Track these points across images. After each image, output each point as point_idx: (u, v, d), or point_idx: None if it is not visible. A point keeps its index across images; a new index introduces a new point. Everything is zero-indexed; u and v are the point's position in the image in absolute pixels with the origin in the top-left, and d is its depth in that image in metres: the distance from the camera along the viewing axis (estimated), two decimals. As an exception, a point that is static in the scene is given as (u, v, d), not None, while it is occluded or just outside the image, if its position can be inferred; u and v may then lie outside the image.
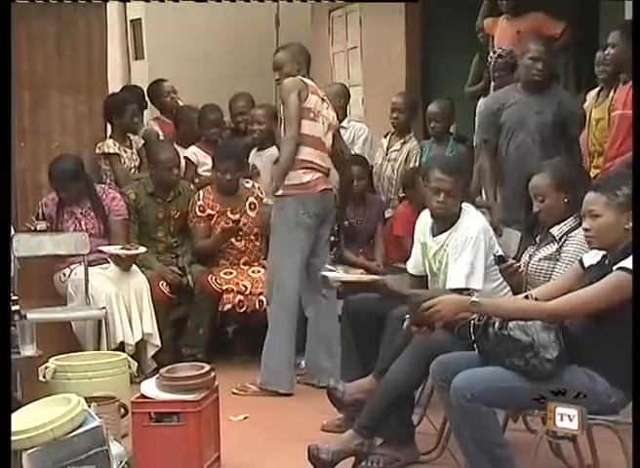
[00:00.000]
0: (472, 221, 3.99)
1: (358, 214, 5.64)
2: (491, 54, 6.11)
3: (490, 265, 3.88)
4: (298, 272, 4.68)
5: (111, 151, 5.70)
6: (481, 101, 5.16)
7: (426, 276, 4.15)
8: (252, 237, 5.50)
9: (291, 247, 4.66)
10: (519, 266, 3.59)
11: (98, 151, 5.73)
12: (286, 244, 4.66)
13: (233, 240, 5.46)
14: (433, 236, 4.10)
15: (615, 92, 4.88)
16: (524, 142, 4.84)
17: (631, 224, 3.04)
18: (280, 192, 4.67)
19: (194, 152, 5.88)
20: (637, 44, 4.12)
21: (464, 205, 4.07)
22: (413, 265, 4.23)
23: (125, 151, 5.76)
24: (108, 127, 5.94)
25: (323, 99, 4.82)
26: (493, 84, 5.97)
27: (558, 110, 4.84)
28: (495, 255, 3.67)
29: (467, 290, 3.79)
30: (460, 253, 3.94)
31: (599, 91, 5.13)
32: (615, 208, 3.06)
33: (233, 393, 3.72)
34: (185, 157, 5.83)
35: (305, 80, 4.76)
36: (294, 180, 4.65)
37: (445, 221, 4.03)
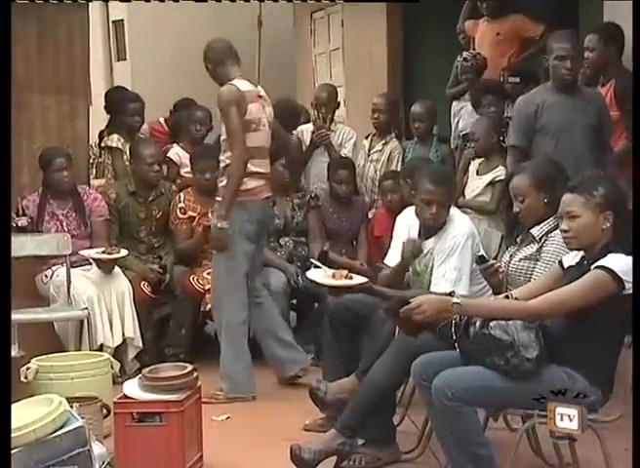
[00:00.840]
0: (460, 227, 4.02)
1: (342, 214, 5.65)
2: (458, 58, 6.16)
3: (475, 269, 3.89)
4: (244, 278, 4.64)
5: (114, 146, 5.72)
6: (518, 101, 4.88)
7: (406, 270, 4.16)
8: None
9: (235, 253, 4.59)
10: (499, 266, 3.61)
11: (102, 144, 5.76)
12: (231, 251, 4.58)
13: (214, 239, 5.45)
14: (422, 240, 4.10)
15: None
16: (575, 146, 4.51)
17: (608, 225, 3.06)
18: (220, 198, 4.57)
19: (177, 153, 5.86)
20: (637, 44, 4.15)
21: (451, 209, 4.08)
22: (394, 262, 4.23)
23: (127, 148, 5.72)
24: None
25: (260, 96, 4.72)
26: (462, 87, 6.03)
27: (598, 112, 4.60)
28: (476, 255, 3.68)
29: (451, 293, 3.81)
30: (446, 259, 3.95)
31: None
32: (592, 208, 3.08)
33: (203, 402, 3.72)
34: (168, 157, 5.82)
35: (240, 84, 4.61)
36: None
37: (434, 228, 4.05)
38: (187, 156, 5.76)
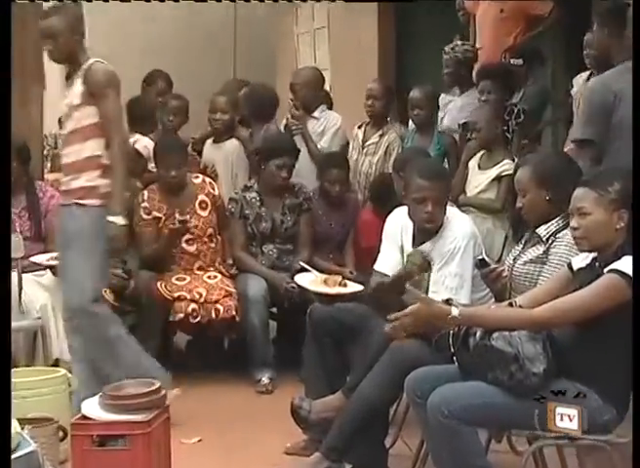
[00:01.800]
0: (459, 228, 4.00)
1: (332, 217, 5.64)
2: (446, 47, 6.18)
3: (477, 274, 3.89)
4: (102, 283, 4.50)
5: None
6: (591, 85, 4.70)
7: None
8: (205, 239, 5.48)
9: (94, 257, 4.35)
10: (503, 271, 3.60)
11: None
12: (89, 254, 4.33)
13: (184, 244, 5.43)
14: (415, 246, 4.10)
15: None
16: None
17: (623, 224, 3.08)
18: (84, 201, 4.33)
19: (145, 145, 5.83)
20: (637, 43, 4.17)
21: (449, 208, 4.08)
22: (385, 266, 4.22)
23: None
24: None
25: None
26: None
27: None
28: (476, 259, 3.69)
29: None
30: (445, 264, 3.94)
31: (588, 76, 5.17)
32: (605, 205, 3.09)
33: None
34: (135, 149, 5.79)
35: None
36: (96, 183, 4.34)
37: (431, 229, 4.03)
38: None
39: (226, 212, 5.51)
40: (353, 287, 4.26)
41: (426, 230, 4.02)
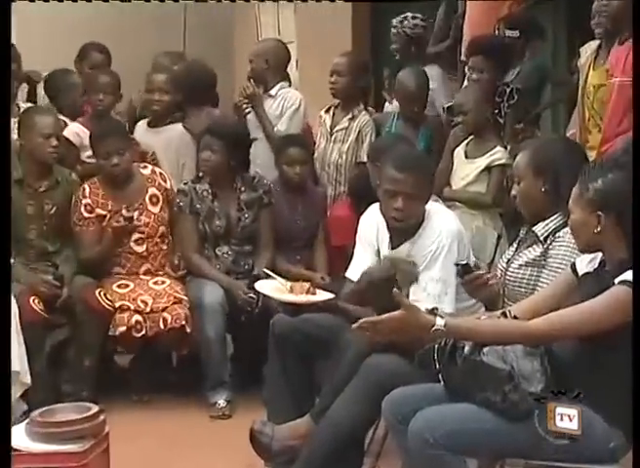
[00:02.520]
0: (442, 226, 4.02)
1: (296, 210, 5.62)
2: (393, 21, 6.21)
3: None
4: None
5: None
6: None
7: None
8: (157, 239, 5.46)
9: None
10: (489, 278, 3.60)
11: None
12: None
13: (132, 243, 5.42)
14: (392, 247, 4.11)
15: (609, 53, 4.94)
16: None
17: (599, 229, 3.09)
18: None
19: (76, 131, 5.79)
20: (637, 43, 4.20)
21: (430, 202, 4.09)
22: (360, 274, 4.24)
23: None
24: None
25: None
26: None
27: None
28: (457, 264, 3.70)
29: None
30: (427, 267, 3.97)
31: (598, 48, 5.19)
32: (583, 205, 3.12)
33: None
34: (64, 137, 5.75)
35: None
36: None
37: (406, 228, 4.05)
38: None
39: (174, 206, 5.48)
40: (323, 295, 4.26)
41: (399, 229, 4.02)
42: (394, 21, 6.26)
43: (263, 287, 4.65)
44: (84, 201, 5.38)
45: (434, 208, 4.10)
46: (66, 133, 5.77)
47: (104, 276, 5.42)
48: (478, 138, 5.33)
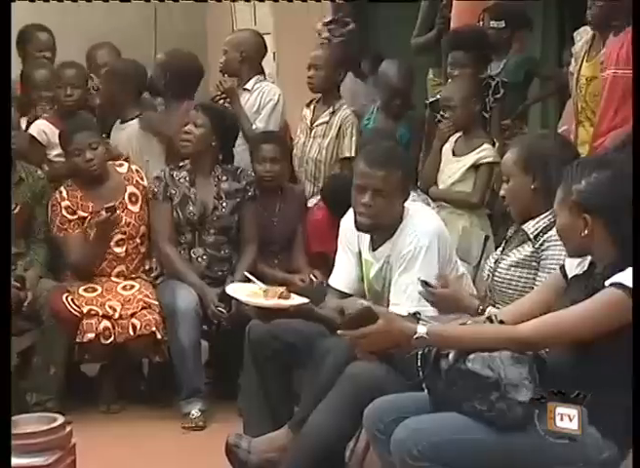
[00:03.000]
0: (421, 226, 4.02)
1: (274, 210, 5.61)
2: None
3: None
4: None
5: None
6: None
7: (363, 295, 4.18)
8: (137, 240, 5.46)
9: None
10: (448, 293, 3.62)
11: None
12: None
13: (113, 244, 5.41)
14: (373, 248, 4.11)
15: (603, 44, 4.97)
16: None
17: (587, 232, 3.10)
18: None
19: (43, 129, 5.77)
20: (637, 43, 4.22)
21: (410, 201, 4.09)
22: (342, 281, 4.26)
23: None
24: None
25: None
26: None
27: None
28: (419, 280, 3.70)
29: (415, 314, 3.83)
30: (405, 269, 3.97)
31: (592, 39, 5.22)
32: (568, 208, 3.13)
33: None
34: (30, 135, 5.74)
35: None
36: None
37: (384, 229, 4.05)
38: (57, 133, 5.70)
39: (149, 194, 5.47)
40: (297, 299, 4.26)
41: (366, 227, 4.03)
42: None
43: (236, 290, 4.64)
44: (63, 203, 5.38)
45: (415, 207, 4.11)
46: (32, 130, 5.77)
47: (73, 280, 5.41)
48: (466, 135, 5.35)
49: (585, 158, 3.23)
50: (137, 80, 5.96)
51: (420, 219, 4.04)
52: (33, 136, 5.77)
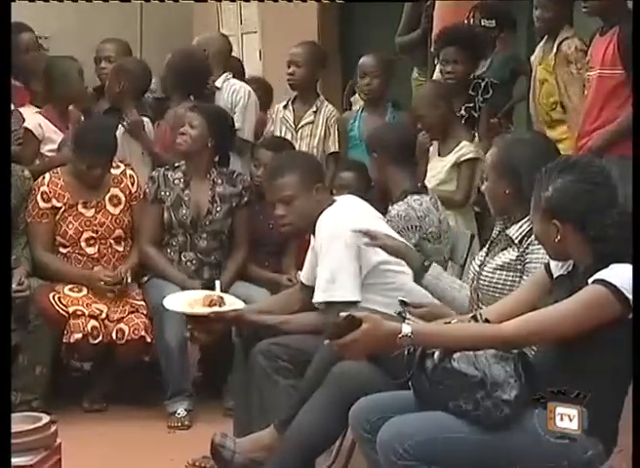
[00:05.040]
0: (327, 216, 4.11)
1: (269, 214, 5.55)
2: None
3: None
4: None
5: None
6: None
7: None
8: (110, 241, 5.43)
9: None
10: (426, 310, 3.64)
11: None
12: None
13: (83, 244, 5.39)
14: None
15: (556, 45, 4.98)
16: None
17: (559, 238, 3.11)
18: None
19: (39, 123, 5.74)
20: (637, 43, 4.24)
21: (338, 197, 4.22)
22: (305, 275, 4.33)
23: None
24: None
25: None
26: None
27: None
28: (398, 300, 3.73)
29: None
30: (320, 261, 4.07)
31: (544, 42, 5.26)
32: (539, 215, 3.15)
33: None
34: (26, 128, 5.71)
35: None
36: None
37: (308, 230, 4.18)
38: (53, 128, 5.69)
39: (140, 194, 5.46)
40: (232, 305, 4.27)
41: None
42: None
43: (174, 300, 4.62)
44: (42, 188, 5.36)
45: (336, 202, 4.19)
46: (29, 123, 5.71)
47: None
48: (445, 138, 5.36)
49: (552, 163, 3.20)
50: (141, 81, 5.95)
51: (325, 214, 4.12)
52: (29, 130, 5.72)
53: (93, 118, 5.83)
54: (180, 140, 5.36)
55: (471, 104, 5.65)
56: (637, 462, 2.90)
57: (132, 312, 5.22)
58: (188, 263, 5.39)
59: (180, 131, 5.34)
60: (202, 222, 5.38)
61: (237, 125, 5.85)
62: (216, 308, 4.27)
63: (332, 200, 4.21)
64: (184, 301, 4.43)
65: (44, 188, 5.36)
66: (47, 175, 5.40)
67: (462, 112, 5.67)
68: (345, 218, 4.09)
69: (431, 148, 5.44)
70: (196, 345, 5.26)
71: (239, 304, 4.36)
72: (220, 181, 5.43)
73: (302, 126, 5.96)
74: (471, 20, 6.26)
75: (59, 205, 5.37)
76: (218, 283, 4.55)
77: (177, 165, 5.46)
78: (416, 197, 4.68)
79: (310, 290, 4.20)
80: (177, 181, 5.39)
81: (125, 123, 5.79)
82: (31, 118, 5.76)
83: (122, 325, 5.16)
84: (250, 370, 4.04)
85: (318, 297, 4.02)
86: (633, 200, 3.11)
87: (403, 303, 3.65)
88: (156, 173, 5.44)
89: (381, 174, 4.76)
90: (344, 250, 3.99)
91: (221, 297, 4.33)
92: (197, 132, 5.32)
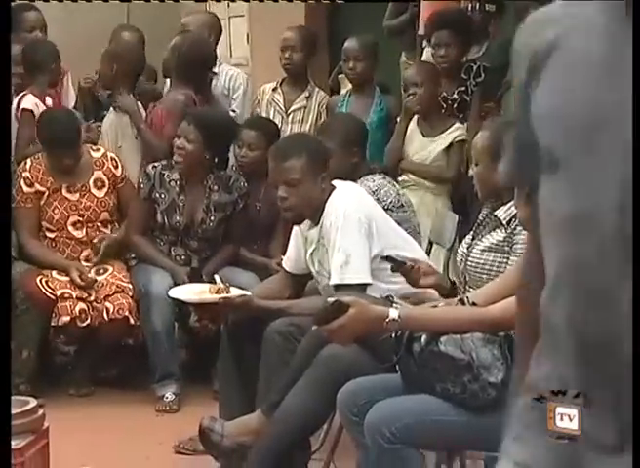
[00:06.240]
0: (337, 200, 4.06)
1: (257, 195, 5.54)
2: None
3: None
4: None
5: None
6: None
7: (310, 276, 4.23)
8: (97, 224, 5.43)
9: None
10: (418, 268, 3.63)
11: None
12: None
13: (71, 228, 5.38)
14: (309, 229, 4.15)
15: None
16: None
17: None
18: None
19: (35, 103, 5.71)
20: (637, 43, 4.24)
21: (336, 182, 4.14)
22: (290, 261, 4.29)
23: None
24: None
25: None
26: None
27: None
28: (382, 257, 3.71)
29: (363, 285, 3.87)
30: (332, 245, 4.01)
31: None
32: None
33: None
34: (25, 109, 5.67)
35: None
36: None
37: (309, 216, 4.10)
38: (44, 109, 5.67)
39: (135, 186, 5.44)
40: (237, 292, 4.28)
41: (310, 214, 4.09)
42: None
43: (179, 291, 4.63)
44: (24, 174, 5.36)
45: (340, 187, 4.14)
46: (26, 104, 5.70)
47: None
48: (434, 116, 5.36)
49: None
50: (133, 64, 5.92)
51: (336, 196, 4.07)
52: (28, 110, 5.68)
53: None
54: (176, 157, 5.25)
55: (463, 88, 5.63)
56: (637, 462, 2.89)
57: (117, 292, 5.21)
58: (177, 258, 5.36)
59: (176, 145, 5.26)
60: (195, 229, 5.34)
61: (238, 110, 5.86)
62: (224, 295, 4.26)
63: (333, 187, 4.17)
64: (190, 292, 4.43)
65: (26, 174, 5.36)
66: (28, 161, 5.40)
67: (455, 96, 5.66)
68: (357, 203, 4.08)
69: (410, 126, 5.41)
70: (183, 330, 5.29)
71: (245, 292, 4.36)
72: (215, 188, 5.33)
73: (294, 110, 5.94)
74: (470, 4, 6.21)
75: (42, 189, 5.37)
76: (217, 277, 4.53)
77: (173, 163, 5.37)
78: (368, 177, 4.70)
79: (296, 277, 4.20)
80: (172, 183, 5.30)
81: (115, 104, 5.78)
82: (27, 99, 5.74)
83: (107, 303, 5.16)
84: (262, 347, 4.01)
85: (335, 280, 3.95)
86: (633, 200, 3.12)
87: (389, 258, 3.65)
88: (153, 169, 5.32)
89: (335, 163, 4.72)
90: (357, 233, 3.96)
91: (227, 285, 4.33)
92: (194, 147, 5.19)
